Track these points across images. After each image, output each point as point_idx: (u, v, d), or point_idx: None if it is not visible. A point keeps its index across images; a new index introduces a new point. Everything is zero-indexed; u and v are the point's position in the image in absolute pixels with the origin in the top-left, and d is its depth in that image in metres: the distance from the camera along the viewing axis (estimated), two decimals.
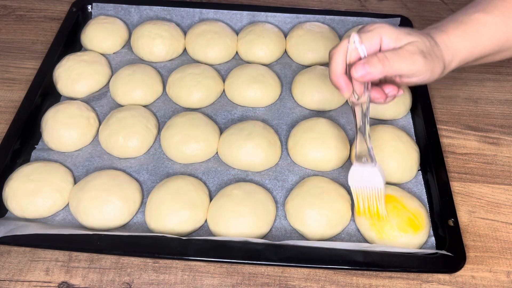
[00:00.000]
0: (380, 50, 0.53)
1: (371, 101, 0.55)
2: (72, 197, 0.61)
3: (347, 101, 0.75)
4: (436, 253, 0.56)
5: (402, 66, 0.51)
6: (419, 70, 0.52)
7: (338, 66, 0.53)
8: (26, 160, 0.67)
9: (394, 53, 0.51)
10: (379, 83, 0.56)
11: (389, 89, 0.55)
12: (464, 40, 0.55)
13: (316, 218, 0.59)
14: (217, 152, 0.69)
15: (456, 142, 0.72)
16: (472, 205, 0.65)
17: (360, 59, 0.52)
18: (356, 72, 0.51)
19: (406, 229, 0.58)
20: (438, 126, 0.71)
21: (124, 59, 0.82)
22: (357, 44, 0.52)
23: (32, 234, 0.56)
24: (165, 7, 0.85)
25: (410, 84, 0.56)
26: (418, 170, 0.67)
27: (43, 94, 0.73)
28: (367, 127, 0.56)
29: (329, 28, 0.83)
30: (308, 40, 0.80)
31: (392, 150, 0.65)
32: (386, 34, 0.52)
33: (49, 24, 0.89)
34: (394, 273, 0.58)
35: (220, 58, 0.81)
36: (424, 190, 0.65)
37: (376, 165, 0.57)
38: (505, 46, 0.58)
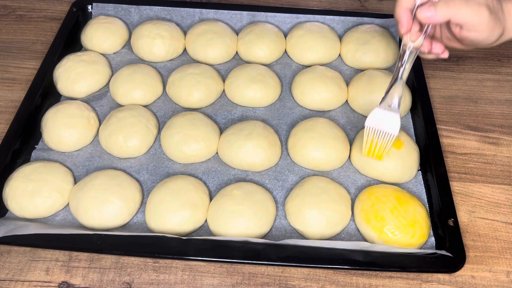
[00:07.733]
0: None
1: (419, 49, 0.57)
2: (72, 197, 0.61)
3: (346, 101, 0.76)
4: (436, 253, 0.56)
5: (467, 13, 0.52)
6: (481, 23, 0.52)
7: (408, 0, 0.55)
8: (26, 160, 0.67)
9: (462, 0, 0.52)
10: (432, 38, 0.58)
11: (436, 47, 0.57)
12: None
13: (316, 218, 0.59)
14: (217, 152, 0.69)
15: (456, 142, 0.72)
16: (472, 205, 0.65)
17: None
18: (422, 13, 0.53)
19: (406, 229, 0.58)
20: (438, 126, 0.72)
21: (124, 59, 0.82)
22: None
23: (32, 234, 0.56)
24: (165, 7, 0.85)
25: (466, 40, 0.56)
26: (418, 170, 0.67)
27: (43, 94, 0.73)
28: (407, 73, 0.58)
29: (329, 28, 0.83)
30: (308, 40, 0.80)
31: (392, 150, 0.65)
32: None
33: (49, 24, 0.89)
34: (394, 273, 0.58)
35: (220, 58, 0.81)
36: (424, 190, 0.65)
37: (398, 113, 0.60)
38: None
